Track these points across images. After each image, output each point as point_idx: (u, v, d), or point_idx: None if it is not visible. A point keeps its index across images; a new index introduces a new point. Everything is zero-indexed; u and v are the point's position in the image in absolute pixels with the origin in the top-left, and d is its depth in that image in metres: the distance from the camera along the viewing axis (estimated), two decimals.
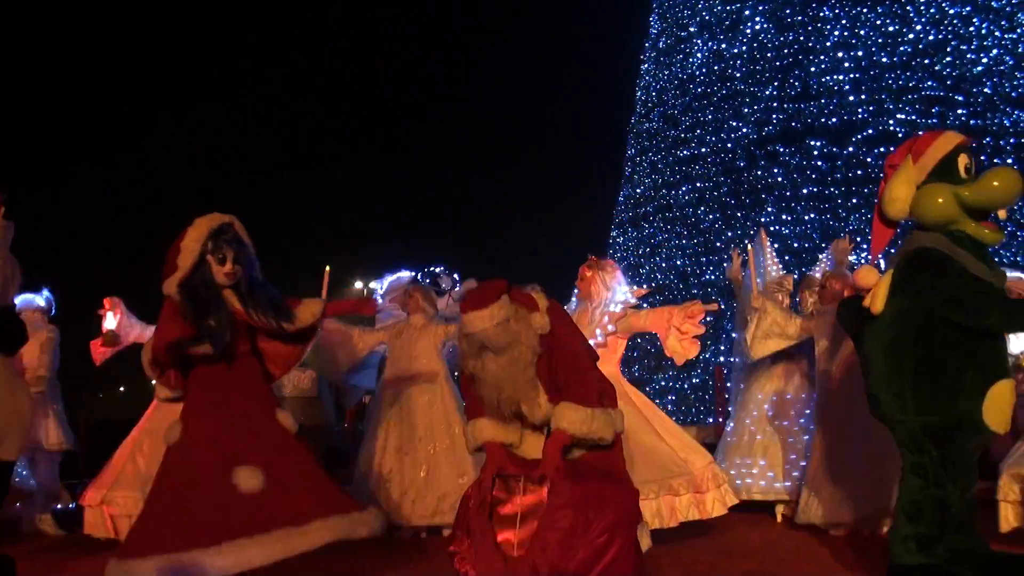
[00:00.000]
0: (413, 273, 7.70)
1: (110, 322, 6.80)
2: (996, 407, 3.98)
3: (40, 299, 7.83)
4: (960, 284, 3.97)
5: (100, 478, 6.63)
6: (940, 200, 4.16)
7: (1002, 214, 4.22)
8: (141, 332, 6.83)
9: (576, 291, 6.28)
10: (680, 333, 6.06)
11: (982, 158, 17.43)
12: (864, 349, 4.26)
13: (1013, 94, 18.28)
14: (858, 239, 13.20)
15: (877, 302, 4.17)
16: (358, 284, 30.56)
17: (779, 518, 6.77)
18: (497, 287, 4.14)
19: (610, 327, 6.07)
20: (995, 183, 3.95)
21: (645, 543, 4.31)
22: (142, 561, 3.78)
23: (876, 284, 4.20)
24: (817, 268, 7.88)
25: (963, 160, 4.19)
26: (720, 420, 11.18)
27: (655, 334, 6.24)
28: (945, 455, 3.99)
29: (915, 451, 4.05)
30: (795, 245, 17.62)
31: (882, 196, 4.34)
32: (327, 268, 6.59)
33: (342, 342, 6.87)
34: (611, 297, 6.17)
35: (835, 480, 6.16)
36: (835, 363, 6.42)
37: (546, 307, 4.23)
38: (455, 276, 7.84)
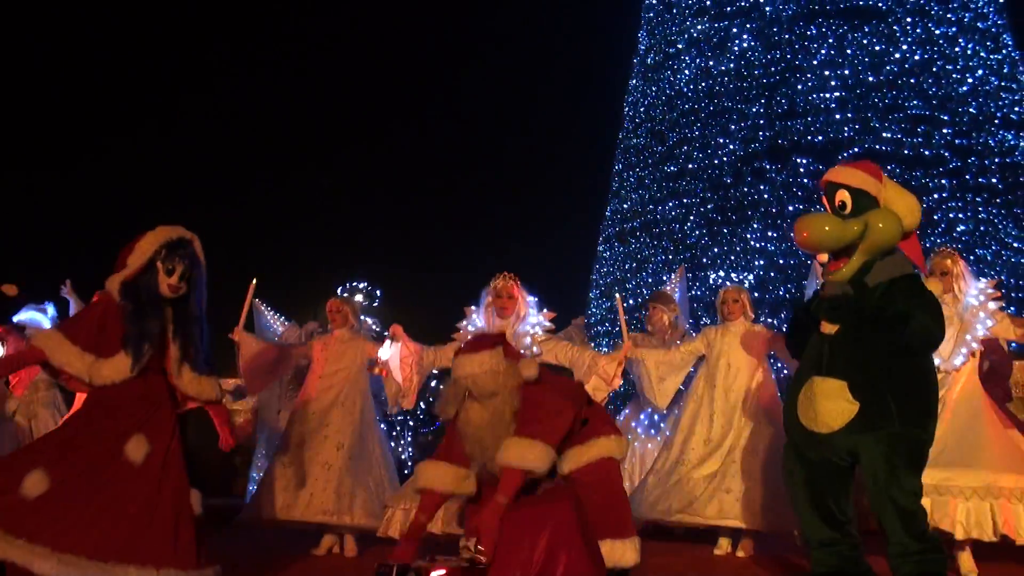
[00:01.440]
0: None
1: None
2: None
3: (45, 319, 7.85)
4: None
5: None
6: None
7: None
8: None
9: (494, 307, 6.06)
10: (597, 383, 5.99)
11: (967, 177, 17.62)
12: None
13: (998, 114, 18.40)
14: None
15: None
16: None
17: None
18: (494, 338, 4.27)
19: (535, 349, 6.00)
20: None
21: (630, 558, 4.26)
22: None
23: None
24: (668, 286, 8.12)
25: None
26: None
27: None
28: None
29: None
30: (781, 262, 17.67)
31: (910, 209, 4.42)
32: (253, 282, 6.53)
33: (277, 358, 6.74)
34: (526, 319, 6.08)
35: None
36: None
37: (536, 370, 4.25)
38: (376, 292, 7.88)
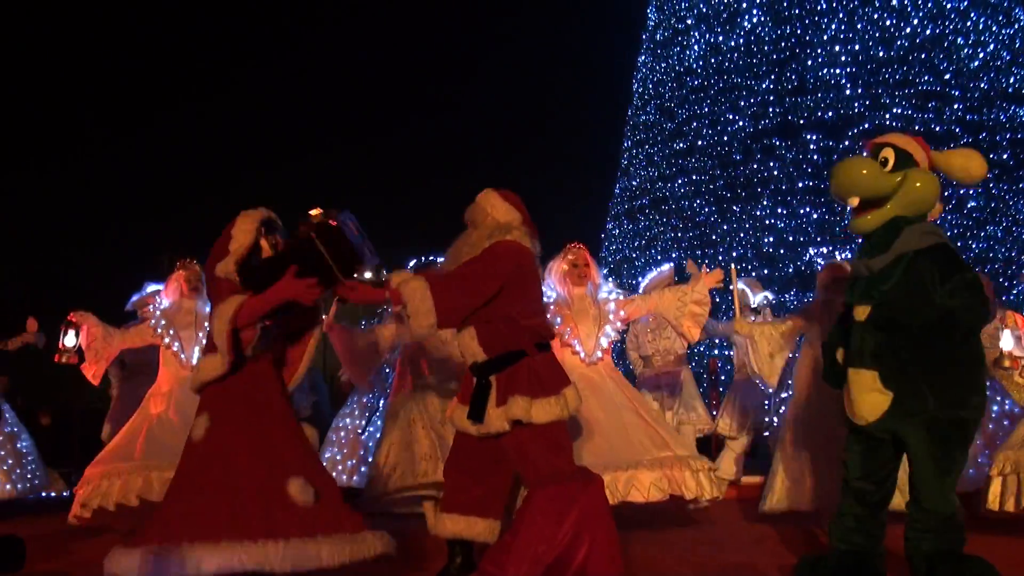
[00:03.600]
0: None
1: (69, 339, 6.59)
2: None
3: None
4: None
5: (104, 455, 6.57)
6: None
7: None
8: (123, 338, 6.70)
9: (569, 276, 6.18)
10: (694, 309, 6.25)
11: None
12: None
13: (1009, 89, 18.30)
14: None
15: None
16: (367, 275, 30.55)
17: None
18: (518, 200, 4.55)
19: (618, 323, 6.21)
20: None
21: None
22: (209, 546, 3.64)
23: None
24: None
25: None
26: (714, 413, 11.18)
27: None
28: None
29: None
30: (790, 239, 17.63)
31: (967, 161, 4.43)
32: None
33: (368, 344, 6.77)
34: (601, 286, 6.26)
35: (802, 468, 6.24)
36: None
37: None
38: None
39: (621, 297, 6.30)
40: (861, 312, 4.31)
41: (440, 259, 7.93)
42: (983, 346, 4.45)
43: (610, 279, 6.40)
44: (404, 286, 4.04)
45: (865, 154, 4.52)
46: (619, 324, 6.21)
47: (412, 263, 7.72)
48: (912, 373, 4.14)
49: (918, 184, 4.24)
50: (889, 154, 4.32)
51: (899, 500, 4.53)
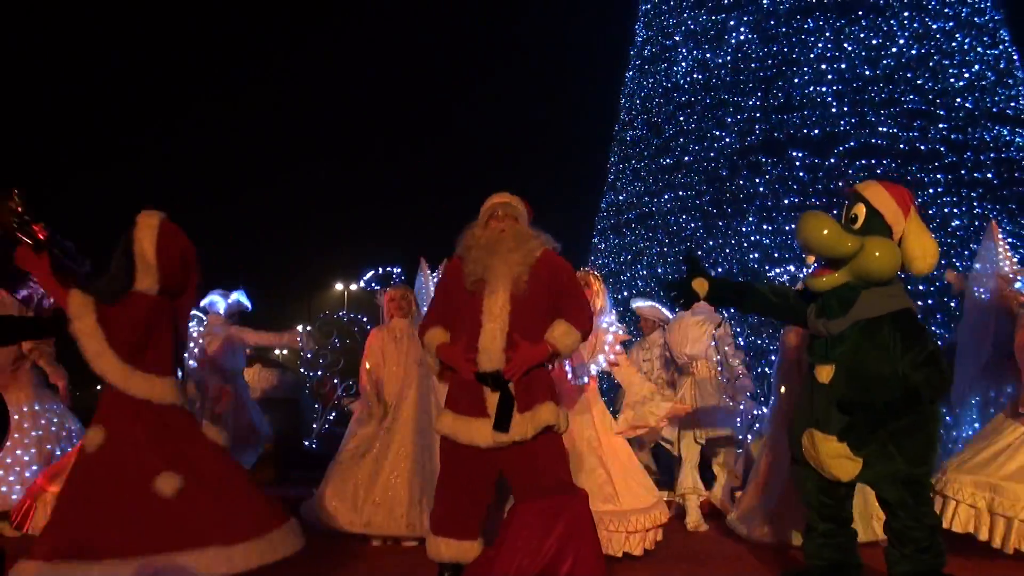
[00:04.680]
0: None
1: None
2: None
3: (222, 303, 8.29)
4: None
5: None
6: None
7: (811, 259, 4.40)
8: None
9: None
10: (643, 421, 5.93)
11: (962, 172, 17.62)
12: None
13: (994, 109, 18.39)
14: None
15: None
16: (338, 286, 30.48)
17: None
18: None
19: (612, 356, 5.95)
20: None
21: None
22: (52, 565, 3.70)
23: None
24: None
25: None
26: None
27: None
28: None
29: None
30: (775, 255, 17.65)
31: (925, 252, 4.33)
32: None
33: None
34: (603, 313, 6.09)
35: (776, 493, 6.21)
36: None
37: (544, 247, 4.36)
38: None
39: (620, 333, 6.05)
40: (824, 374, 4.29)
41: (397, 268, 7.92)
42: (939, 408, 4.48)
43: (613, 311, 6.23)
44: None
45: (846, 193, 4.47)
46: (612, 357, 5.98)
47: (370, 273, 7.74)
48: (880, 438, 4.15)
49: (876, 254, 4.16)
50: (860, 211, 4.26)
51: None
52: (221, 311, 8.25)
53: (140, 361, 4.10)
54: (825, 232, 4.19)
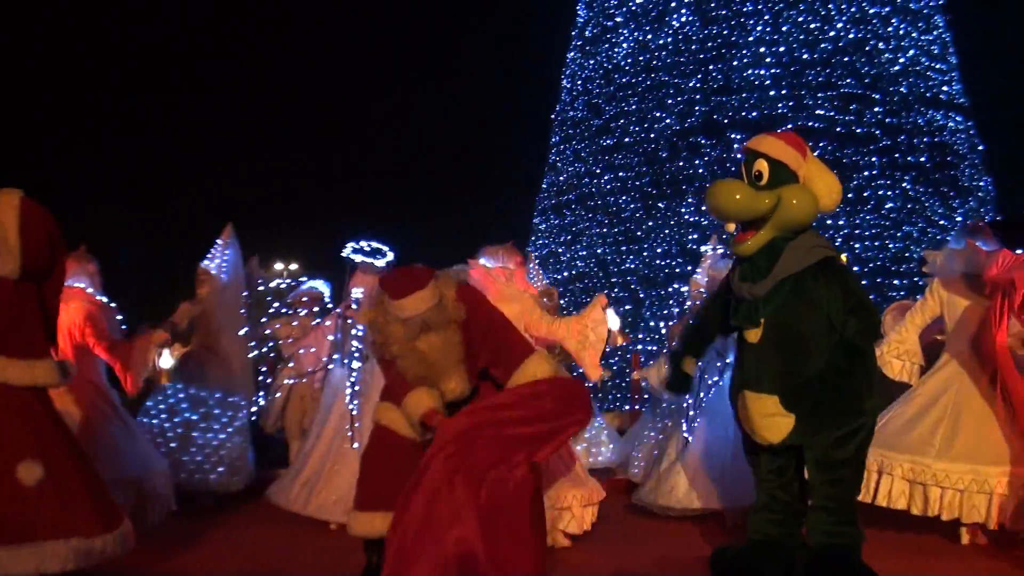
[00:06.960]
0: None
1: (165, 360, 6.29)
2: None
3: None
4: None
5: None
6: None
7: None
8: None
9: (499, 275, 5.87)
10: (594, 342, 5.83)
11: (896, 155, 17.91)
12: None
13: (927, 94, 18.71)
14: None
15: None
16: (278, 265, 30.03)
17: None
18: (426, 272, 4.25)
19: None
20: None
21: None
22: None
23: None
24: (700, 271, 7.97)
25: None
26: (635, 407, 11.22)
27: None
28: None
29: None
30: (714, 236, 17.76)
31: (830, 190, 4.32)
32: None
33: None
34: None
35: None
36: None
37: (455, 293, 4.21)
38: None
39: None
40: (753, 335, 4.26)
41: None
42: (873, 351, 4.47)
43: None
44: None
45: (741, 157, 4.44)
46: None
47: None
48: (811, 392, 4.13)
49: (794, 202, 4.14)
50: (763, 167, 4.21)
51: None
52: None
53: (4, 347, 3.97)
54: (738, 196, 4.16)
